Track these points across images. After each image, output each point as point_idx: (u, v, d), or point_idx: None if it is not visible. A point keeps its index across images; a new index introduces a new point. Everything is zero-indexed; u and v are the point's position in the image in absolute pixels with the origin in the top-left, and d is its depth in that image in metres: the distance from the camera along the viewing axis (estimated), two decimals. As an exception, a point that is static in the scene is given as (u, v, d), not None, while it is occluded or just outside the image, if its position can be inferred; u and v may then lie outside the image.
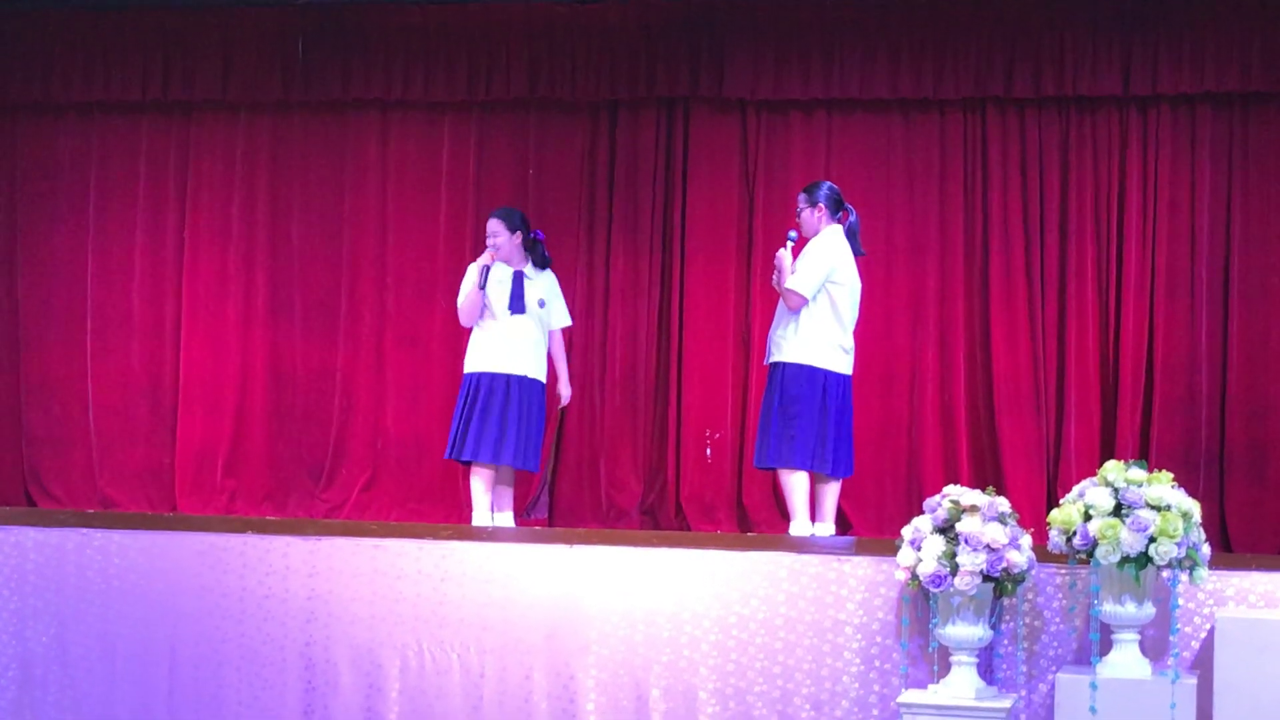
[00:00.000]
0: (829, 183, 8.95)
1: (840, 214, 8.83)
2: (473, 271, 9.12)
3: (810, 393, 8.55)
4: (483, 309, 9.07)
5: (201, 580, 8.21)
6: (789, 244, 8.76)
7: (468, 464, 9.07)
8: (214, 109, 10.61)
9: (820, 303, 8.61)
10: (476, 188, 10.39)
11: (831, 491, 8.77)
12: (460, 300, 9.09)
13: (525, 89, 10.24)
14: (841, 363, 8.67)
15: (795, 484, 8.64)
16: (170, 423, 10.57)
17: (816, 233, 8.78)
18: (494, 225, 9.17)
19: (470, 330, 9.16)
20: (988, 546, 7.15)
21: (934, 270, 9.96)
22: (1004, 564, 7.16)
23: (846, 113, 10.08)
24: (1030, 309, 9.81)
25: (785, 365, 8.61)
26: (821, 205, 8.78)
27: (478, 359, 9.08)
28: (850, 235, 8.80)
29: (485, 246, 9.18)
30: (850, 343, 8.72)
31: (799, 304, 8.59)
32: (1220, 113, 9.69)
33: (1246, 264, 9.61)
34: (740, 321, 10.08)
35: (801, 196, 8.87)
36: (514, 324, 9.08)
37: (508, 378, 9.04)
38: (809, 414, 8.55)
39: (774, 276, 8.82)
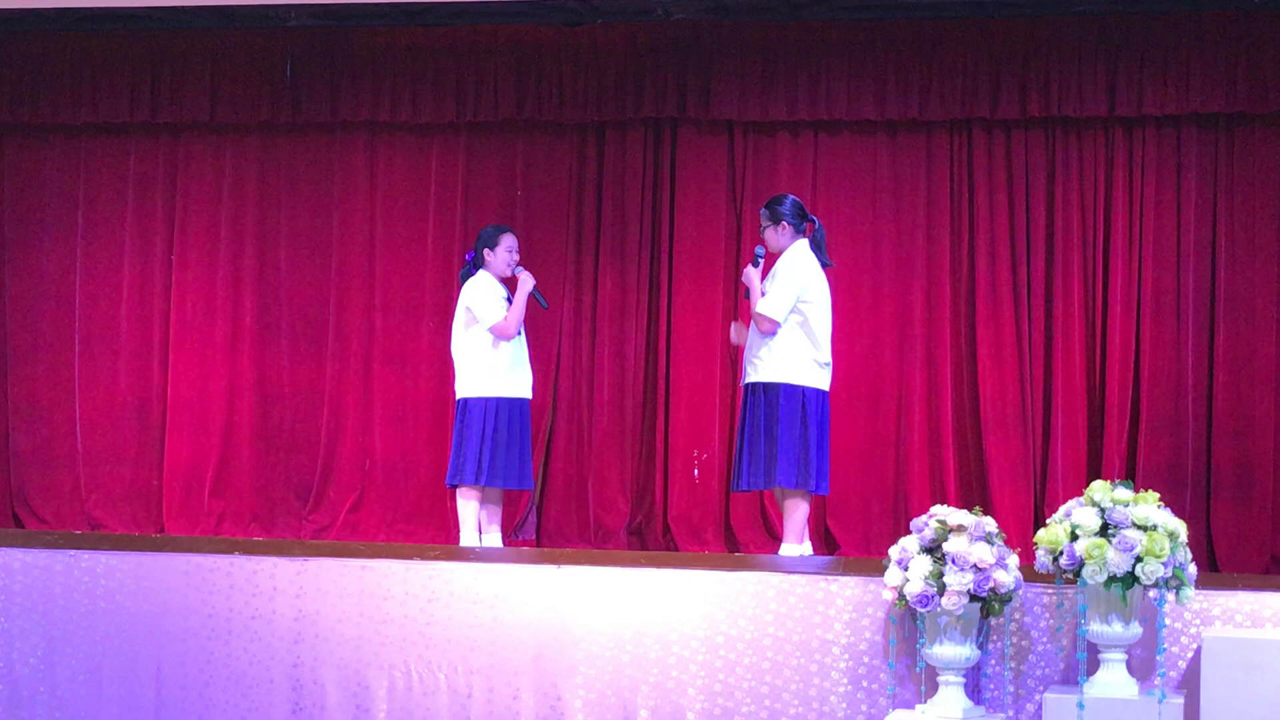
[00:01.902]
0: (792, 196, 8.93)
1: (805, 226, 8.82)
2: (497, 288, 9.12)
3: (791, 410, 8.56)
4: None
5: (189, 601, 8.20)
6: (757, 262, 8.77)
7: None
8: (202, 131, 10.62)
9: (791, 322, 8.61)
10: (464, 209, 10.40)
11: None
12: (511, 317, 9.04)
13: (513, 111, 10.26)
14: (819, 379, 8.67)
15: (798, 505, 8.63)
16: (158, 444, 10.57)
17: (783, 249, 8.77)
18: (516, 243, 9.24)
19: (458, 351, 9.17)
20: (975, 566, 7.16)
21: (920, 290, 9.98)
22: (991, 584, 7.17)
23: (833, 134, 10.12)
24: (1017, 329, 9.83)
25: (764, 385, 8.61)
26: (785, 222, 8.77)
27: (494, 383, 9.06)
28: (816, 247, 8.79)
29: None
30: (826, 358, 8.71)
31: (770, 329, 8.59)
32: (1206, 134, 9.73)
33: (1232, 284, 9.65)
34: (727, 342, 10.07)
35: (763, 213, 8.86)
36: (519, 344, 9.13)
37: (522, 402, 9.09)
38: (792, 432, 8.55)
39: (734, 324, 8.87)
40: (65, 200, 10.74)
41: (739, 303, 9.96)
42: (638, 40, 10.16)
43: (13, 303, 10.76)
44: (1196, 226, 9.71)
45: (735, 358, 9.92)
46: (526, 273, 9.16)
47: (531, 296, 9.13)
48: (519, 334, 9.13)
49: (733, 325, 9.09)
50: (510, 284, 9.21)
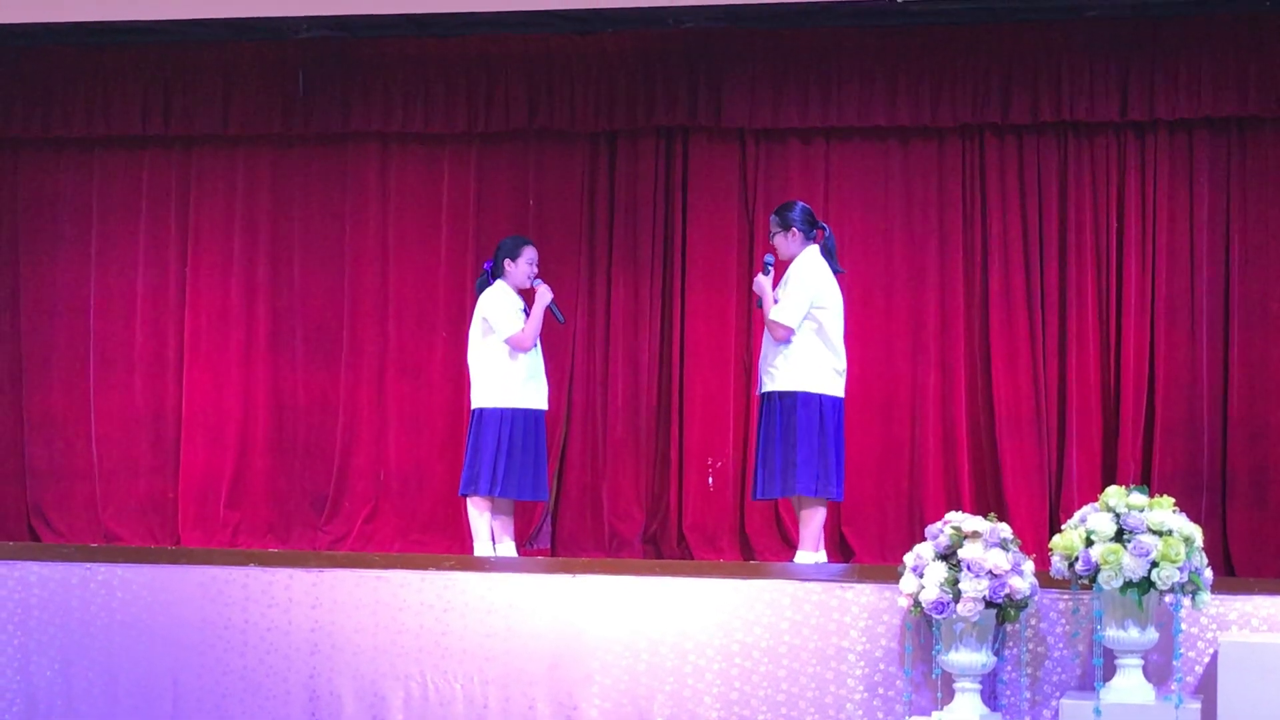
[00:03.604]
0: (801, 203, 8.90)
1: (815, 233, 8.81)
2: (513, 299, 9.12)
3: (808, 418, 8.54)
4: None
5: (205, 613, 8.21)
6: (767, 270, 8.76)
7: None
8: (214, 143, 10.64)
9: (806, 330, 8.60)
10: (477, 219, 10.41)
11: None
12: (528, 330, 9.04)
13: (524, 120, 10.27)
14: (835, 385, 8.64)
15: (816, 513, 8.62)
16: (173, 456, 10.58)
17: (793, 256, 8.76)
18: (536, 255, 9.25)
19: (474, 361, 9.17)
20: (990, 573, 7.15)
21: (934, 296, 9.97)
22: (1006, 590, 7.16)
23: (845, 140, 10.11)
24: (1031, 334, 9.82)
25: (781, 394, 8.59)
26: (795, 229, 8.76)
27: (510, 394, 9.05)
28: (827, 253, 8.77)
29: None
30: (842, 364, 8.69)
31: (785, 336, 8.57)
32: (1218, 137, 9.71)
33: (1246, 288, 9.63)
34: (741, 350, 10.08)
35: (773, 220, 8.82)
36: (535, 355, 9.14)
37: (538, 413, 9.10)
38: (810, 440, 8.53)
39: (756, 301, 8.86)
40: (79, 213, 10.76)
41: (751, 310, 9.96)
42: (648, 48, 10.16)
43: (27, 316, 10.78)
44: (1210, 230, 9.69)
45: (750, 365, 9.92)
46: (545, 286, 9.16)
47: (548, 310, 9.13)
48: (535, 346, 9.14)
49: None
50: (527, 295, 9.22)
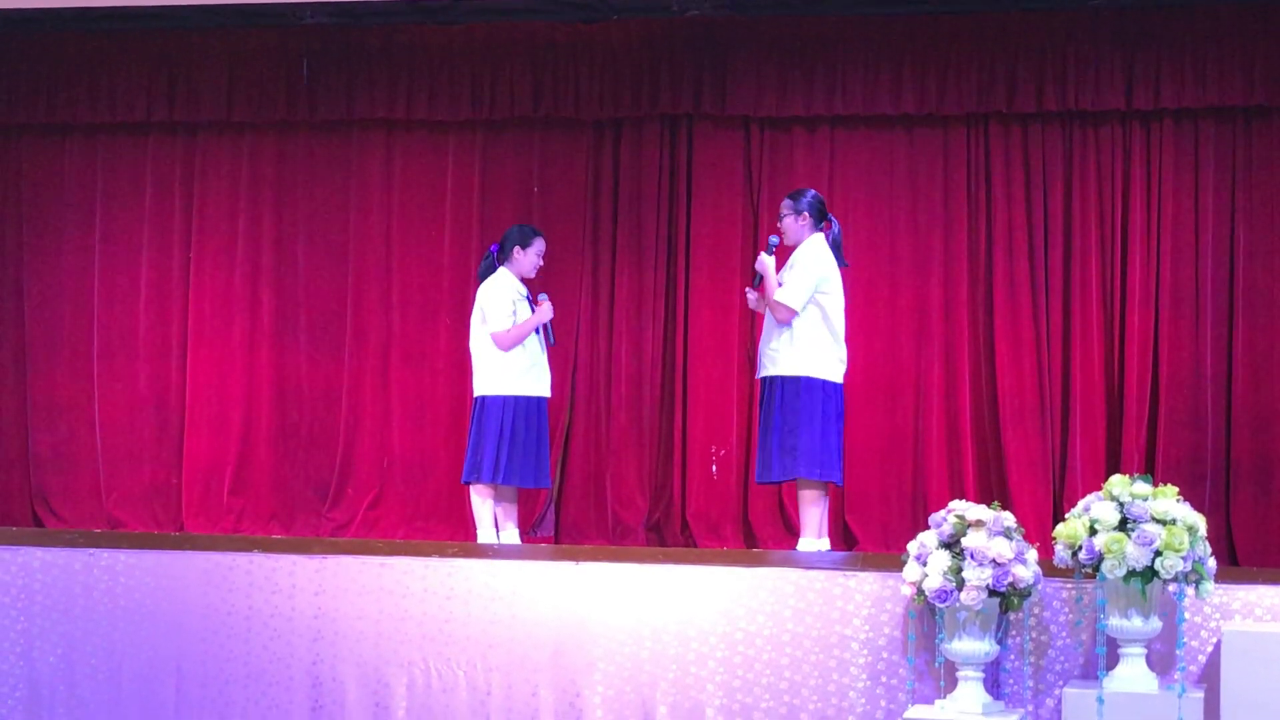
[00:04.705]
0: (814, 191, 8.93)
1: (823, 224, 8.82)
2: (512, 290, 9.12)
3: (810, 403, 8.55)
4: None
5: (208, 599, 8.22)
6: (771, 250, 8.76)
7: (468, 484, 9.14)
8: (219, 130, 10.64)
9: (810, 313, 8.60)
10: (481, 207, 10.40)
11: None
12: (513, 334, 9.02)
13: (529, 107, 10.26)
14: (836, 371, 8.66)
15: (815, 499, 8.62)
16: (177, 443, 10.58)
17: (799, 241, 8.77)
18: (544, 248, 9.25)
19: (476, 349, 9.17)
20: (993, 561, 7.15)
21: (938, 285, 9.97)
22: (1010, 579, 7.16)
23: (850, 128, 10.10)
24: (1035, 323, 9.81)
25: (784, 379, 8.60)
26: (806, 214, 8.77)
27: (512, 382, 9.06)
28: (834, 246, 8.78)
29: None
30: (843, 351, 8.71)
31: (788, 317, 8.58)
32: (1223, 127, 9.70)
33: (1251, 277, 9.62)
34: (745, 337, 10.08)
35: (786, 203, 8.85)
36: (537, 343, 9.14)
37: (540, 401, 9.10)
38: (811, 424, 8.54)
39: (750, 290, 8.85)
40: (83, 200, 10.76)
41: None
42: (653, 36, 10.15)
43: (31, 302, 10.79)
44: (1215, 220, 9.68)
45: (752, 351, 9.91)
46: (549, 304, 9.17)
47: (543, 325, 9.14)
48: (535, 336, 9.12)
49: (748, 292, 9.01)
50: (530, 285, 9.21)
